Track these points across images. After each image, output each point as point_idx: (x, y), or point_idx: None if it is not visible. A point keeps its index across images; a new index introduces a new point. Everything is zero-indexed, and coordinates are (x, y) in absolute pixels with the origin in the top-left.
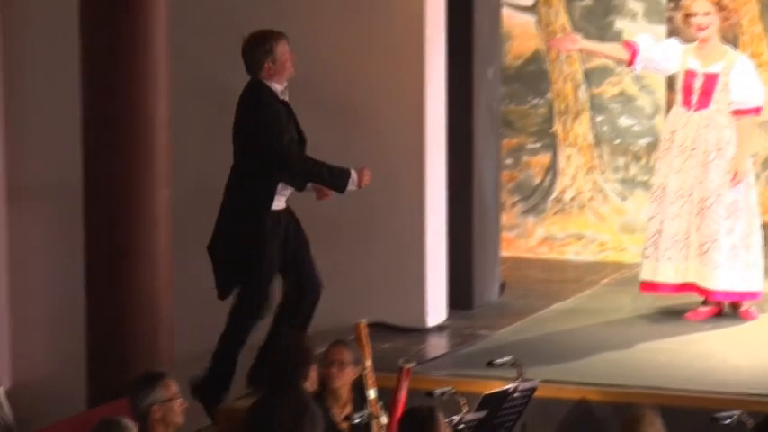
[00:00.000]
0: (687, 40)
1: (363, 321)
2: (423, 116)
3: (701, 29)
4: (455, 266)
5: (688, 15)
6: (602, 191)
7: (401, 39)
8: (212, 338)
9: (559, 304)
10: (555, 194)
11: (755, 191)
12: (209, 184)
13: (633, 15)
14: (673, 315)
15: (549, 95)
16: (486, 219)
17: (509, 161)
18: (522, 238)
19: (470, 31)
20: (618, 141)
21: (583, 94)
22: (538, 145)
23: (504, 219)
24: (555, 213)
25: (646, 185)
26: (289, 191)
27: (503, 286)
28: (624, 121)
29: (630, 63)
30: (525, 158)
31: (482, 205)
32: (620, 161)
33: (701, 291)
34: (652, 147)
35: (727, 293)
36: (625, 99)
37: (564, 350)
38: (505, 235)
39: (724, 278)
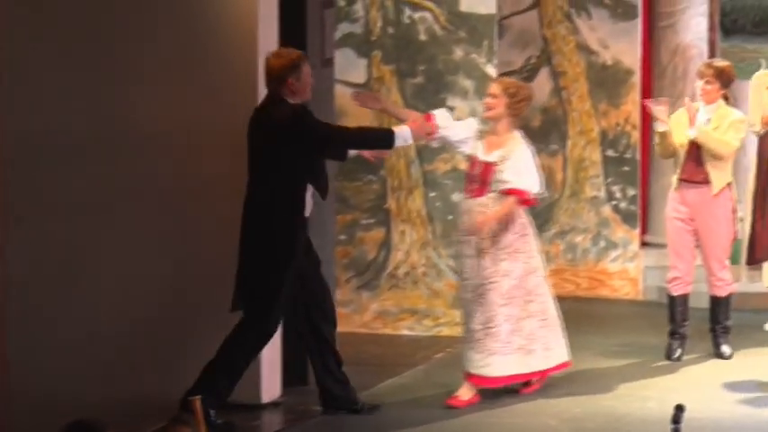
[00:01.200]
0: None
1: (198, 398)
2: None
3: (486, 109)
4: (290, 342)
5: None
6: (436, 266)
7: (236, 124)
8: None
9: (393, 380)
10: (389, 270)
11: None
12: None
13: (464, 93)
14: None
15: (382, 172)
16: None
17: (343, 237)
18: (357, 314)
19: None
20: (450, 217)
21: (416, 170)
22: (372, 221)
23: (339, 294)
24: (389, 289)
25: None
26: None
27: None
28: (457, 197)
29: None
30: (359, 234)
31: None
32: (453, 237)
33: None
34: None
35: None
36: (457, 175)
37: (397, 428)
38: (340, 311)
39: (501, 365)
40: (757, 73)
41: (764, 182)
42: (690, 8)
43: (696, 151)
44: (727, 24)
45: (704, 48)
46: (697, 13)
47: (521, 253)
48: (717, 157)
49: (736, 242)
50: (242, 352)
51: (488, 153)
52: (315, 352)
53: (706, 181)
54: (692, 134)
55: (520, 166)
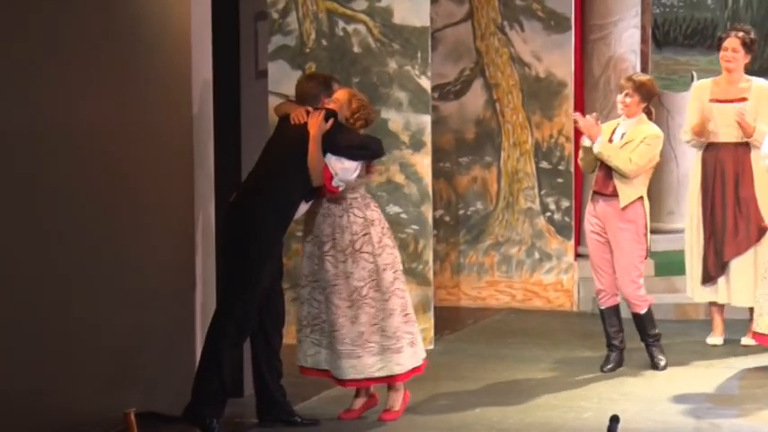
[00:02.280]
0: None
1: (132, 411)
2: (192, 210)
3: None
4: None
5: None
6: None
7: (169, 137)
8: None
9: (329, 391)
10: None
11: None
12: None
13: (399, 105)
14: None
15: None
16: None
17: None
18: (292, 325)
19: (239, 120)
20: None
21: None
22: None
23: None
24: None
25: (414, 272)
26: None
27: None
28: (392, 209)
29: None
30: (295, 246)
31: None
32: None
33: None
34: (420, 234)
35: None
36: (392, 187)
37: None
38: None
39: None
40: (697, 83)
41: (711, 199)
42: (622, 21)
43: (606, 164)
44: (660, 37)
45: (636, 60)
46: (629, 25)
47: (364, 252)
48: (619, 174)
49: (679, 254)
50: (224, 346)
51: None
52: (262, 355)
53: (615, 194)
54: (595, 149)
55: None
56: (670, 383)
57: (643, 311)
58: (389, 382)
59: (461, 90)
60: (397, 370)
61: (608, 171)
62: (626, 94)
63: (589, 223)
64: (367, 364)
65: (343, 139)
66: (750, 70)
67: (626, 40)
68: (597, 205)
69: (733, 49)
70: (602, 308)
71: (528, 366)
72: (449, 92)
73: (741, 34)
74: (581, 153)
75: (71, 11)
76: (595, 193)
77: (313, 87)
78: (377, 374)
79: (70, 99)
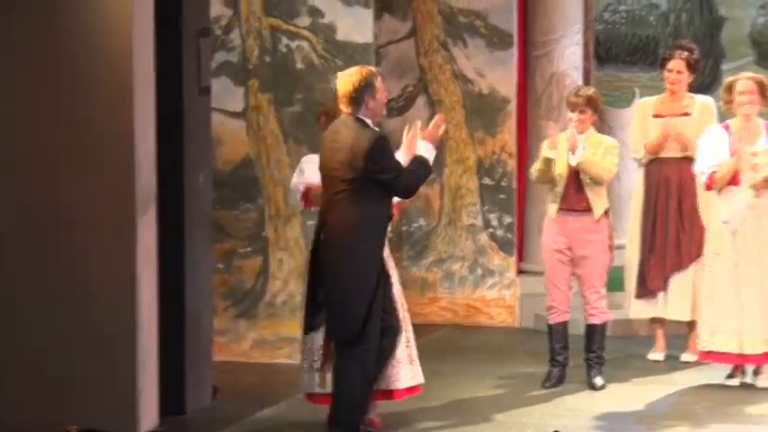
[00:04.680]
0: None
1: (73, 428)
2: (134, 227)
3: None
4: (167, 371)
5: None
6: None
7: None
8: None
9: (271, 409)
10: (267, 298)
11: None
12: None
13: None
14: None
15: (260, 200)
16: (198, 323)
17: (221, 266)
18: (235, 343)
19: (181, 137)
20: None
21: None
22: (249, 249)
23: (217, 323)
24: (267, 317)
25: None
26: None
27: (215, 391)
28: None
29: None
30: (237, 262)
31: (194, 310)
32: None
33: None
34: None
35: None
36: None
37: None
38: (218, 339)
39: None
40: (641, 100)
41: (653, 214)
42: (565, 37)
43: (576, 179)
44: (602, 53)
45: (579, 77)
46: (572, 42)
47: None
48: (597, 183)
49: (618, 270)
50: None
51: None
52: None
53: (587, 208)
54: (574, 161)
55: None
56: (611, 399)
57: (599, 323)
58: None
59: (405, 106)
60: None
61: (578, 186)
62: (580, 111)
63: (552, 241)
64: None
65: None
66: (691, 86)
67: (569, 56)
68: (565, 222)
69: (678, 71)
70: (552, 323)
71: (471, 383)
72: (392, 108)
73: (685, 55)
74: (540, 164)
75: (8, 24)
76: (564, 209)
77: (354, 88)
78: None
79: (14, 117)
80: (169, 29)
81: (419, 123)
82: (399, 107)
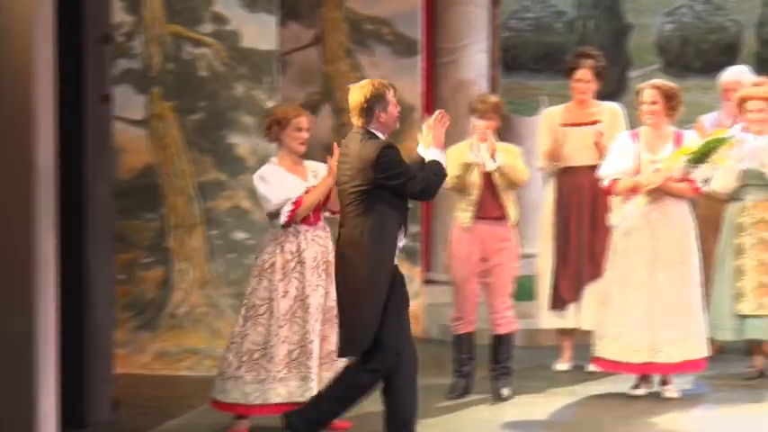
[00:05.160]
0: None
1: None
2: (34, 237)
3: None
4: (66, 384)
5: None
6: (217, 305)
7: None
8: None
9: (173, 421)
10: (169, 309)
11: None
12: None
13: (246, 129)
14: None
15: (162, 210)
16: (98, 335)
17: (122, 276)
18: (136, 355)
19: (82, 146)
20: (232, 255)
21: (196, 207)
22: (151, 259)
23: (118, 335)
24: (169, 329)
25: None
26: None
27: (116, 404)
28: (238, 235)
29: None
30: (139, 273)
31: (94, 322)
32: (235, 275)
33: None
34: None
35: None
36: (239, 213)
37: None
38: (119, 351)
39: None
40: (548, 109)
41: (566, 223)
42: (471, 44)
43: (492, 186)
44: (509, 61)
45: (485, 84)
46: (478, 49)
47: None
48: (515, 187)
49: (526, 279)
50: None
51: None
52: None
53: (502, 216)
54: (493, 166)
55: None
56: (516, 410)
57: (506, 332)
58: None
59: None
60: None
61: (494, 193)
62: (488, 117)
63: (465, 251)
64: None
65: None
66: (598, 94)
67: (475, 64)
68: (479, 231)
69: (585, 81)
70: (459, 333)
71: (374, 393)
72: None
73: (591, 62)
74: (459, 170)
75: None
76: (480, 218)
77: (365, 100)
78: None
79: None
80: (69, 36)
81: (435, 116)
82: None
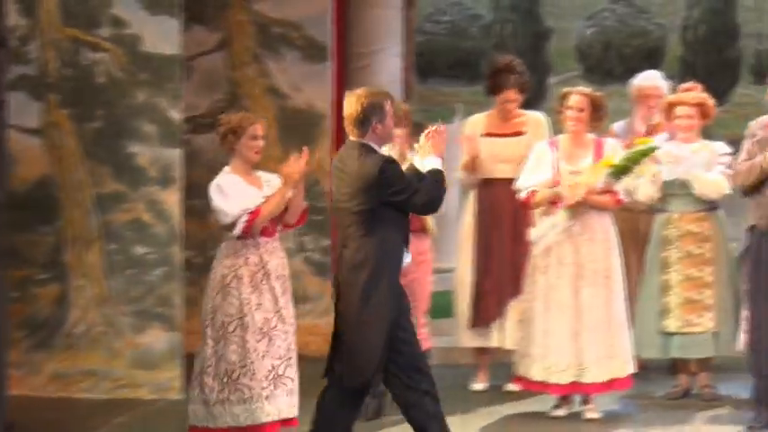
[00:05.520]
0: None
1: None
2: None
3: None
4: None
5: None
6: (115, 324)
7: None
8: None
9: None
10: (65, 328)
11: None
12: None
13: (147, 138)
14: None
15: (58, 223)
16: None
17: (16, 294)
18: (31, 376)
19: None
20: (132, 271)
21: (94, 221)
22: (46, 276)
23: (12, 355)
24: (65, 349)
25: (162, 317)
26: None
27: (11, 427)
28: (137, 250)
29: None
30: (33, 290)
31: None
32: (135, 292)
33: None
34: (168, 276)
35: None
36: (138, 226)
37: None
38: (13, 372)
39: None
40: (471, 118)
41: (487, 238)
42: (384, 49)
43: None
44: (423, 66)
45: (399, 91)
46: (392, 54)
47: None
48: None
49: (442, 295)
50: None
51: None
52: None
53: (422, 228)
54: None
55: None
56: None
57: (423, 350)
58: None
59: (214, 123)
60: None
61: None
62: (405, 126)
63: None
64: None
65: None
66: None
67: (389, 69)
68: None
69: (512, 100)
70: None
71: None
72: (201, 124)
73: (516, 80)
74: None
75: None
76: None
77: (362, 110)
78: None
79: None
80: None
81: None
82: (209, 123)
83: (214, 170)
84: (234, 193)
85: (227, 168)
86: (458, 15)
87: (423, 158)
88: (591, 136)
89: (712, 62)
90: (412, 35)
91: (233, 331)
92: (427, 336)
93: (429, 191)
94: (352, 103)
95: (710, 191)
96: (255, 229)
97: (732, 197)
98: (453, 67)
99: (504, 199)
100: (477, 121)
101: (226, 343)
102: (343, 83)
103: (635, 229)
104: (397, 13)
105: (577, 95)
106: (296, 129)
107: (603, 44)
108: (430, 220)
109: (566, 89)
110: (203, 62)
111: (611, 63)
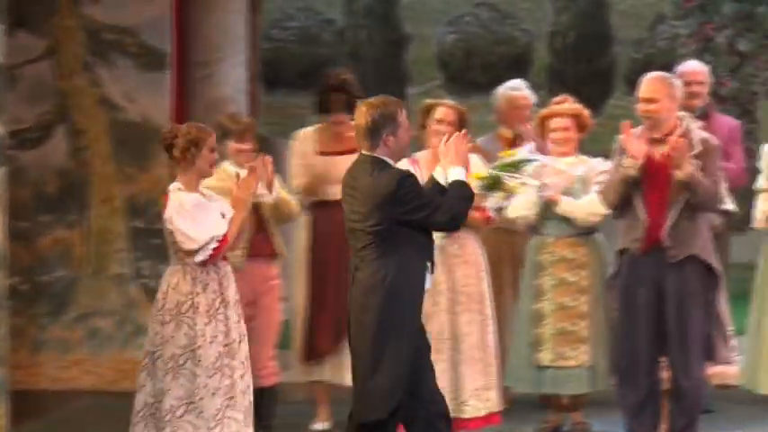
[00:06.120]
0: None
1: None
2: None
3: None
4: None
5: None
6: None
7: None
8: None
9: None
10: None
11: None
12: None
13: None
14: None
15: None
16: None
17: None
18: None
19: None
20: None
21: None
22: None
23: None
24: None
25: None
26: None
27: None
28: None
29: None
30: None
31: None
32: None
33: None
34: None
35: None
36: None
37: None
38: None
39: None
40: (300, 132)
41: (322, 264)
42: (227, 58)
43: (261, 219)
44: (270, 76)
45: (244, 102)
46: (236, 62)
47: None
48: (287, 221)
49: (284, 325)
50: None
51: None
52: None
53: (273, 253)
54: (271, 198)
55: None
56: None
57: (272, 384)
58: None
59: (41, 137)
60: None
61: (262, 227)
62: (248, 140)
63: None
64: None
65: None
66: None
67: (233, 79)
68: (249, 271)
69: (344, 122)
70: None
71: None
72: (27, 139)
73: (348, 100)
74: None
75: None
76: (251, 257)
77: (373, 121)
78: None
79: None
80: None
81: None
82: (35, 138)
83: (42, 189)
84: (201, 218)
85: (177, 185)
86: (307, 21)
87: (445, 169)
88: None
89: (583, 71)
90: (257, 42)
91: (182, 365)
92: (277, 369)
93: (451, 207)
94: (362, 114)
95: (589, 216)
96: (221, 256)
97: (609, 218)
98: (304, 77)
99: (343, 223)
100: (307, 137)
101: (174, 377)
102: (183, 93)
103: (514, 252)
104: (240, 18)
105: (444, 108)
106: (130, 143)
107: (466, 52)
108: (280, 241)
109: (429, 101)
110: (28, 71)
111: (474, 72)
